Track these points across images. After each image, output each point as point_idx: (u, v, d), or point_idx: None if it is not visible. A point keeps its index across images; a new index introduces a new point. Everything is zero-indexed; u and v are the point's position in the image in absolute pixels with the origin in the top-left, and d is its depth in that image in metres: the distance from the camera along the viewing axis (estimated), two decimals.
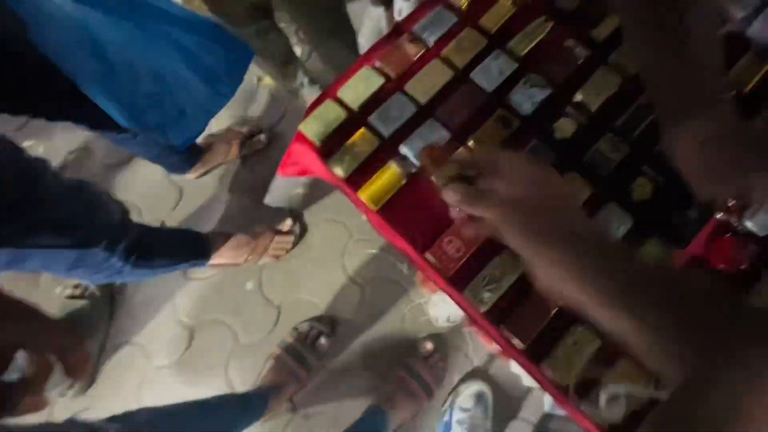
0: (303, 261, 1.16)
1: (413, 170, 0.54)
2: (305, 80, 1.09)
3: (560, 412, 0.89)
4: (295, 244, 1.15)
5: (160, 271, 0.87)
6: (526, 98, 0.55)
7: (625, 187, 0.51)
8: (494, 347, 0.99)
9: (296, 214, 1.19)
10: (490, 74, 0.56)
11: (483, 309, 0.48)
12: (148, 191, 1.27)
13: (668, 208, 0.50)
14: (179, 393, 1.10)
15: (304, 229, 1.17)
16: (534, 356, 0.47)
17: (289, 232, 1.13)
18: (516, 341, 0.47)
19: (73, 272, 0.67)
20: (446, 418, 0.98)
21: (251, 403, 0.90)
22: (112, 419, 0.62)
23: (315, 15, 0.83)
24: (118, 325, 1.16)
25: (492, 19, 0.59)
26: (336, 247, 1.16)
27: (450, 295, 0.51)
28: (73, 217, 0.62)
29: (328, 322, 1.10)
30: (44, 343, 0.30)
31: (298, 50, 1.25)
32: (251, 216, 1.20)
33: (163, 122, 0.66)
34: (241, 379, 1.09)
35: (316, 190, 1.21)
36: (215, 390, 0.90)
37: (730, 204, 0.49)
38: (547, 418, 1.02)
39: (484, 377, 1.04)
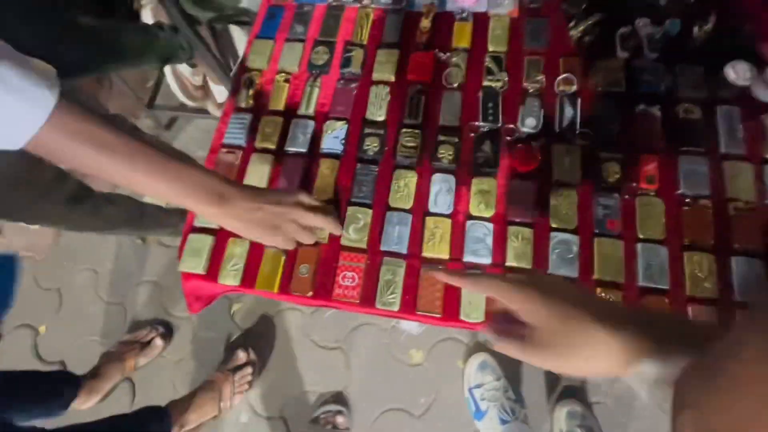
0: (279, 361, 1.18)
1: None
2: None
3: None
4: (259, 371, 1.13)
5: None
6: (334, 139, 0.67)
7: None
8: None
9: (245, 341, 1.17)
10: (298, 139, 0.67)
11: (396, 309, 0.57)
12: None
13: (474, 152, 0.64)
14: None
15: (261, 349, 1.15)
16: (452, 316, 0.56)
17: (246, 364, 1.12)
18: (433, 315, 0.56)
19: None
20: (471, 404, 1.04)
21: None
22: None
23: None
24: None
25: (277, 101, 0.71)
26: (297, 331, 1.20)
27: (368, 313, 0.58)
28: None
29: (335, 399, 1.12)
30: None
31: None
32: (200, 377, 1.15)
33: None
34: None
35: (248, 310, 1.23)
36: None
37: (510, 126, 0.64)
38: None
39: (479, 349, 1.12)
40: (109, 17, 1.25)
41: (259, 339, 1.18)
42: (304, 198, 0.55)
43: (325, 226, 0.57)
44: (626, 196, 0.59)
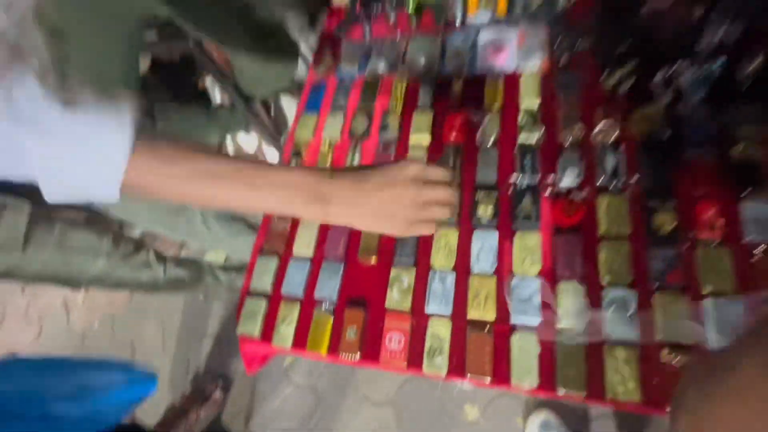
0: (332, 418, 1.17)
1: (333, 307, 0.64)
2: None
3: None
4: None
5: None
6: None
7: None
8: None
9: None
10: None
11: (443, 373, 0.56)
12: None
13: (514, 207, 0.64)
14: None
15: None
16: (503, 380, 0.54)
17: None
18: (484, 379, 0.55)
19: None
20: None
21: None
22: None
23: None
24: None
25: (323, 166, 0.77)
26: (348, 383, 1.20)
27: (416, 374, 0.58)
28: None
29: None
30: None
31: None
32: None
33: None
34: None
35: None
36: None
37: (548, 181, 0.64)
38: None
39: (539, 405, 1.04)
40: (179, 96, 1.44)
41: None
42: (418, 169, 0.45)
43: (450, 198, 0.47)
44: (685, 247, 0.56)
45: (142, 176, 0.37)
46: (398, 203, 0.44)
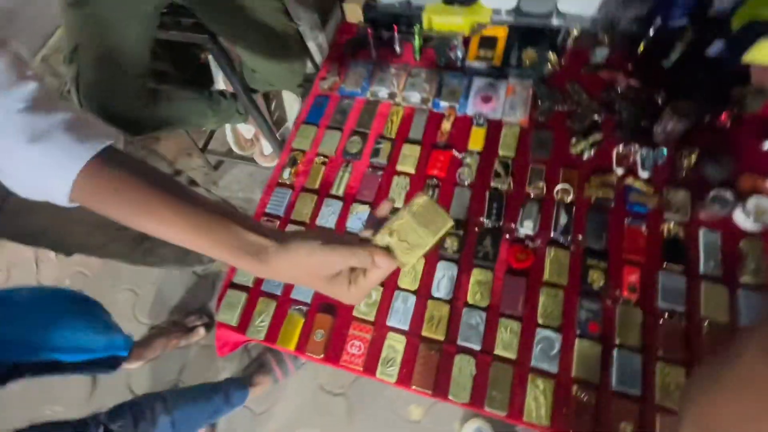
0: (283, 402, 1.25)
1: (306, 309, 0.72)
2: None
3: None
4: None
5: None
6: (357, 220, 0.78)
7: None
8: None
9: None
10: (327, 217, 0.79)
11: (393, 381, 0.65)
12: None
13: (476, 245, 0.73)
14: None
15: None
16: (441, 394, 0.64)
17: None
18: (426, 391, 0.64)
19: None
20: None
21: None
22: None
23: None
24: None
25: (314, 181, 0.84)
26: (305, 371, 1.28)
27: (370, 377, 0.67)
28: None
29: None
30: None
31: None
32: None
33: None
34: None
35: None
36: None
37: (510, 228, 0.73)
38: None
39: (475, 414, 1.16)
40: (181, 69, 1.47)
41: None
42: (362, 264, 0.43)
43: (383, 276, 0.45)
44: (608, 302, 0.66)
45: (88, 202, 0.40)
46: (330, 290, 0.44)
